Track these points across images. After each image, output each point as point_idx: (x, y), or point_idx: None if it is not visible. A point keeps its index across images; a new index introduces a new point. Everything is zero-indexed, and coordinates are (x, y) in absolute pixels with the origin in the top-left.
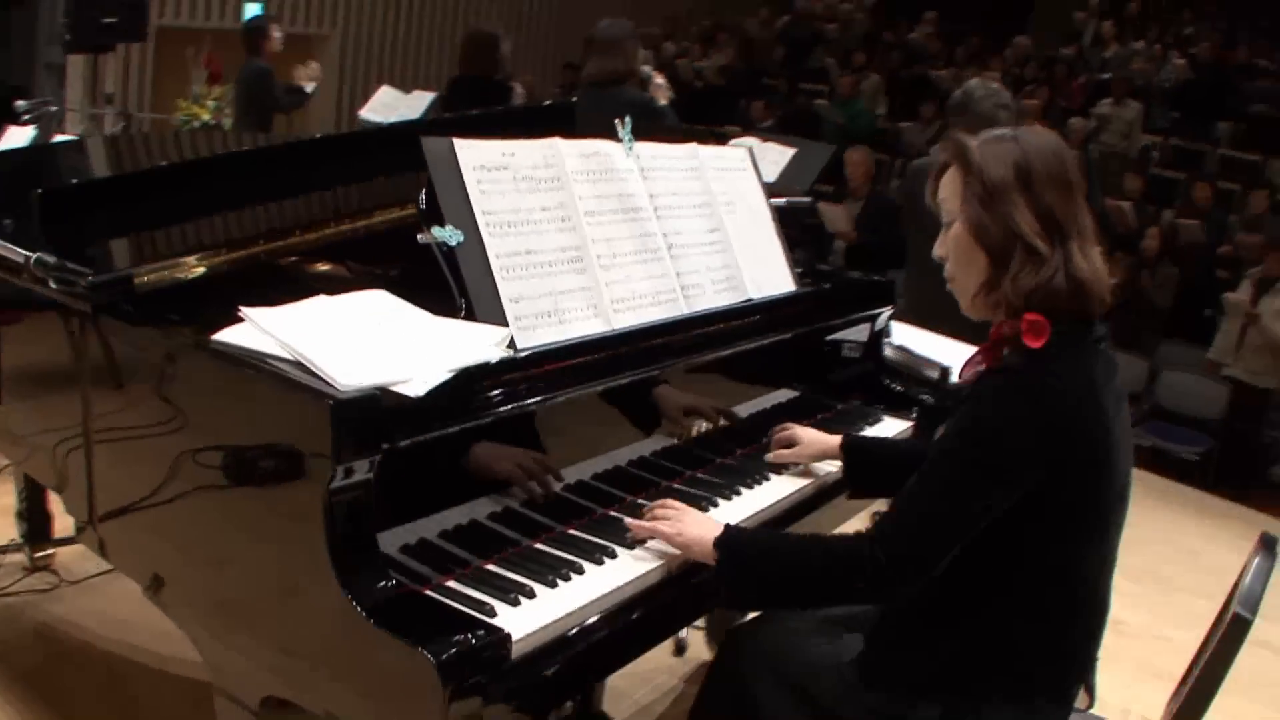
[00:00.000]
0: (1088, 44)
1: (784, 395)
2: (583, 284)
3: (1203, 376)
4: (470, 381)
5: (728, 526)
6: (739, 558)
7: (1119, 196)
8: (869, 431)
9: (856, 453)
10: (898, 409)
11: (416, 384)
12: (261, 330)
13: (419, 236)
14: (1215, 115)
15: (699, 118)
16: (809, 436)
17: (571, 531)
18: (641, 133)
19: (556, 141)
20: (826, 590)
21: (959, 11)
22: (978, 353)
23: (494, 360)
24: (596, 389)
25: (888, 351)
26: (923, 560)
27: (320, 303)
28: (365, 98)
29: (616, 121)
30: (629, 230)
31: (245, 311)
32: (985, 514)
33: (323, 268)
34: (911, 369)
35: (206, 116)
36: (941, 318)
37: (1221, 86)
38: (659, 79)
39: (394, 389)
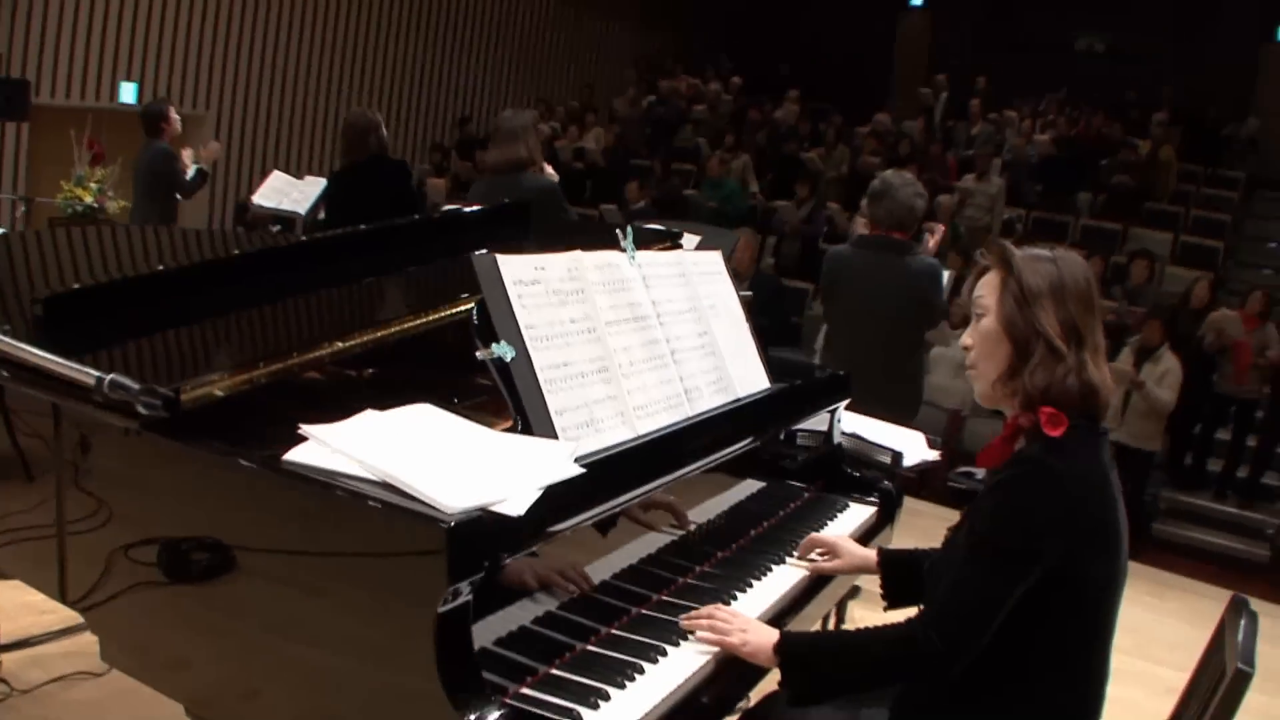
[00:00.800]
0: (938, 120)
1: (752, 486)
2: (610, 393)
3: None
4: (553, 497)
5: (783, 633)
6: (801, 661)
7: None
8: (840, 518)
9: (894, 567)
10: (860, 495)
11: (514, 503)
12: (334, 450)
13: (477, 354)
14: (1077, 187)
15: (577, 199)
16: (847, 549)
17: (616, 633)
18: (550, 217)
19: (578, 254)
20: (886, 678)
21: (820, 89)
22: (997, 441)
23: (573, 475)
24: (644, 494)
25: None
26: (973, 639)
27: (374, 419)
28: (239, 178)
29: (618, 231)
30: (641, 338)
31: (309, 430)
32: (1020, 591)
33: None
34: (864, 455)
35: (90, 199)
36: (857, 397)
37: (1082, 159)
38: (546, 167)
39: (494, 509)
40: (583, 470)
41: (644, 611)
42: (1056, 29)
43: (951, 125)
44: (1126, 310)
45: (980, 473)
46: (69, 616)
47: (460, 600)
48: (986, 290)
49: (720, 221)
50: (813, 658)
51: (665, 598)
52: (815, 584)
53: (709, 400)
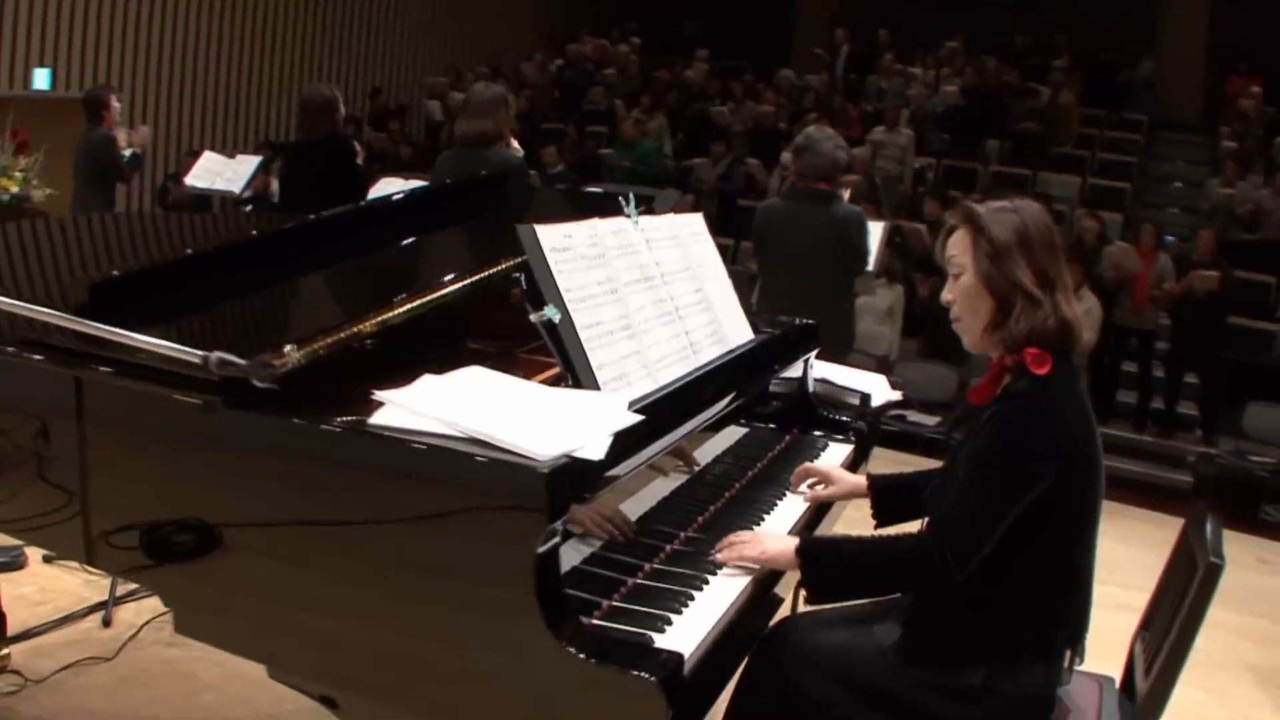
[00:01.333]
0: (840, 73)
1: (737, 432)
2: (634, 348)
3: None
4: (618, 442)
5: (803, 536)
6: (821, 563)
7: (907, 217)
8: (824, 457)
9: (884, 490)
10: (837, 435)
11: (593, 449)
12: (413, 412)
13: (531, 317)
14: (984, 135)
15: None
16: (840, 476)
17: (657, 567)
18: (517, 188)
19: (596, 221)
20: (898, 583)
21: (726, 46)
22: (984, 381)
23: (635, 422)
24: (683, 435)
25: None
26: (977, 551)
27: (435, 382)
28: (156, 160)
29: (620, 199)
30: (651, 296)
31: (384, 395)
32: (1018, 509)
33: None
34: (834, 398)
35: (15, 189)
36: None
37: (989, 108)
38: (513, 142)
39: (577, 455)
40: (643, 418)
41: (675, 548)
42: None
43: (854, 79)
44: None
45: (911, 415)
46: (64, 605)
47: (555, 540)
48: (959, 249)
49: (637, 182)
50: (830, 559)
51: (690, 534)
52: (817, 514)
53: (710, 351)
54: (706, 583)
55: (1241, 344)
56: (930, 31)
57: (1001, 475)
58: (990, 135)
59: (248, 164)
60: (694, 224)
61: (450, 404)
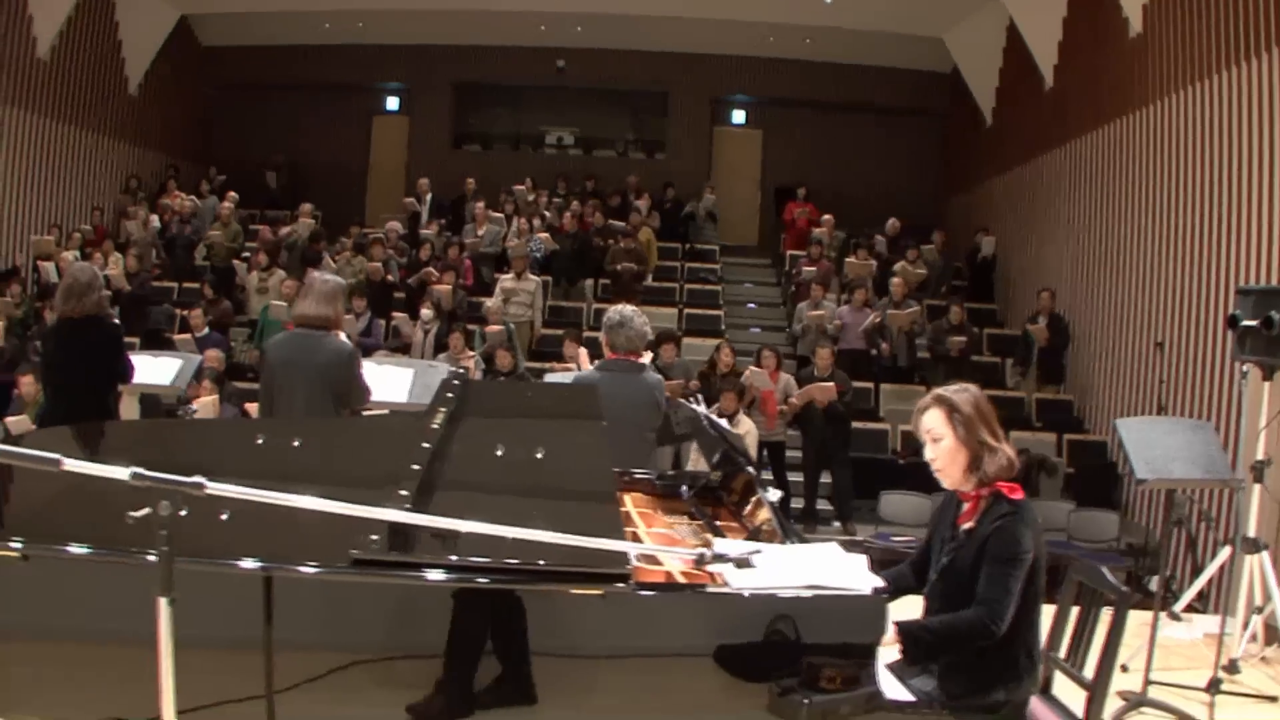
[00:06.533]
0: (425, 219)
1: None
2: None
3: None
4: None
5: (898, 622)
6: (919, 641)
7: (537, 360)
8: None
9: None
10: None
11: (876, 581)
12: (758, 574)
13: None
14: (580, 275)
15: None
16: None
17: None
18: (346, 378)
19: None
20: (965, 644)
21: (313, 197)
22: (968, 510)
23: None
24: None
25: None
26: (1009, 614)
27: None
28: None
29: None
30: None
31: (727, 555)
32: (1022, 583)
33: None
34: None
35: None
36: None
37: (582, 250)
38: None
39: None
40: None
41: None
42: (525, 123)
43: (467, 226)
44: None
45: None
46: None
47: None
48: (936, 423)
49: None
50: (920, 634)
51: None
52: None
53: None
54: None
55: (861, 444)
56: (507, 174)
57: (1012, 566)
58: (587, 274)
59: None
60: None
61: (776, 565)
